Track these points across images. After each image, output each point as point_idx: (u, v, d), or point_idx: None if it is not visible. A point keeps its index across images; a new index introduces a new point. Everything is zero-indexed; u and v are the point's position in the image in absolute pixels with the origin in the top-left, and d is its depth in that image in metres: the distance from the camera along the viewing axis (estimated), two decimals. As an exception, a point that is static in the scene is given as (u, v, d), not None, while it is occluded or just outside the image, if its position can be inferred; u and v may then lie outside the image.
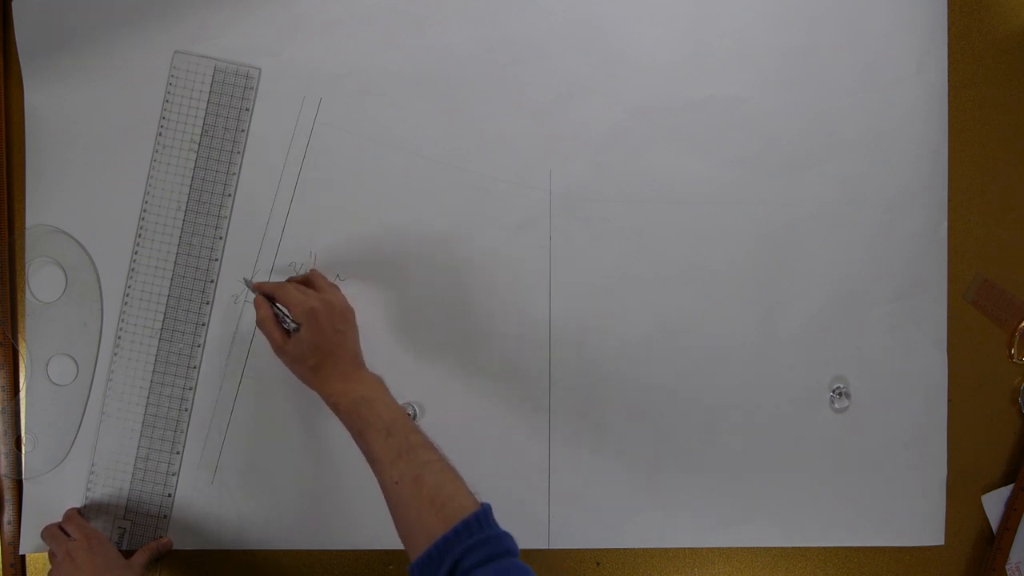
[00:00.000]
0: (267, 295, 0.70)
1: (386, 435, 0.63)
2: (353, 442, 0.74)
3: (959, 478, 0.80)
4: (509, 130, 0.77)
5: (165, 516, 0.76)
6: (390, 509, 0.62)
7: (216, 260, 0.76)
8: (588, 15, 0.77)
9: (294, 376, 0.74)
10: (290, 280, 0.74)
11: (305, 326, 0.67)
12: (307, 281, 0.74)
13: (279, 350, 0.69)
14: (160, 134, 0.76)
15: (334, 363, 0.68)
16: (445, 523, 0.57)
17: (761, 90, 0.78)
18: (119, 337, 0.76)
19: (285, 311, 0.69)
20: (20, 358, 0.76)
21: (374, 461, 0.64)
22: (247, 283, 0.72)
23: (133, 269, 0.76)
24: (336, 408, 0.67)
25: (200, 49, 0.76)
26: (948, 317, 0.80)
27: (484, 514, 0.58)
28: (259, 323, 0.70)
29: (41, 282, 0.76)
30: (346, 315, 0.71)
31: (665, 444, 0.78)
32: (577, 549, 0.78)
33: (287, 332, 0.69)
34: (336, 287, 0.74)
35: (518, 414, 0.77)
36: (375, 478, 0.63)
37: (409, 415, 0.66)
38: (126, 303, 0.76)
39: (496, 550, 0.56)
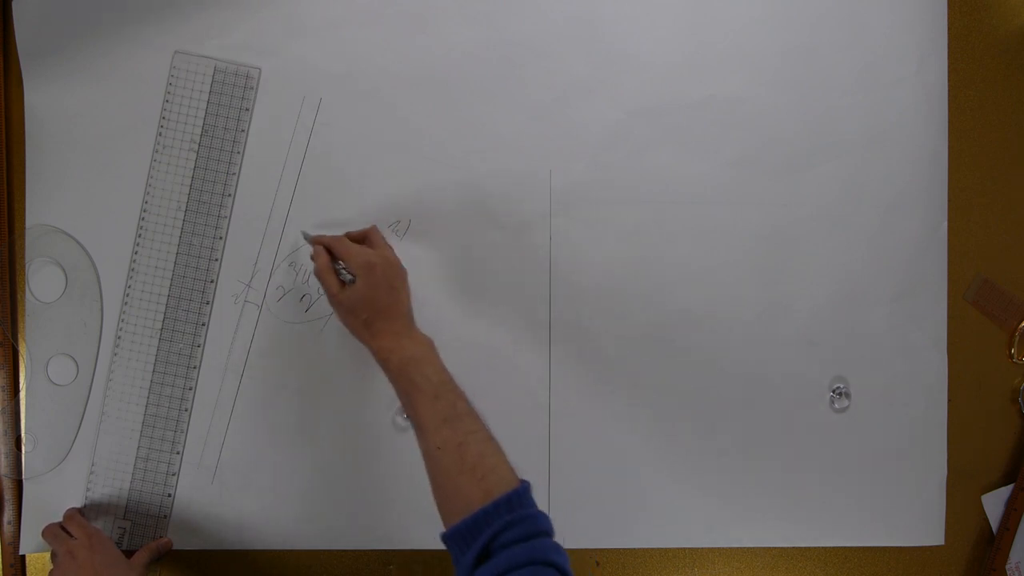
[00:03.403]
0: (326, 247, 0.70)
1: (433, 399, 0.63)
2: (352, 442, 0.74)
3: (959, 478, 0.80)
4: (509, 130, 0.77)
5: (165, 516, 0.76)
6: (429, 474, 0.62)
7: (216, 260, 0.76)
8: (588, 15, 0.77)
9: (294, 377, 0.74)
10: (347, 234, 0.73)
11: (361, 279, 0.67)
12: (364, 237, 0.73)
13: (334, 299, 0.69)
14: (160, 134, 0.76)
15: (386, 318, 0.68)
16: (485, 495, 0.57)
17: (761, 90, 0.78)
18: (119, 337, 0.76)
19: (342, 264, 0.69)
20: (20, 358, 0.76)
21: (418, 424, 0.63)
22: (306, 236, 0.72)
23: (133, 269, 0.76)
24: (385, 365, 0.67)
25: (200, 49, 0.76)
26: (948, 317, 0.80)
27: (525, 491, 0.58)
28: (316, 272, 0.69)
29: (41, 282, 0.76)
30: (401, 273, 0.71)
31: (665, 444, 0.78)
32: (577, 549, 0.78)
33: (342, 283, 0.69)
34: (391, 247, 0.73)
35: (518, 413, 0.77)
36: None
37: (455, 381, 0.65)
38: (126, 303, 0.76)
39: (534, 529, 0.56)
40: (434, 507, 0.63)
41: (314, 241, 0.71)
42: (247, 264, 0.76)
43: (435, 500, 0.61)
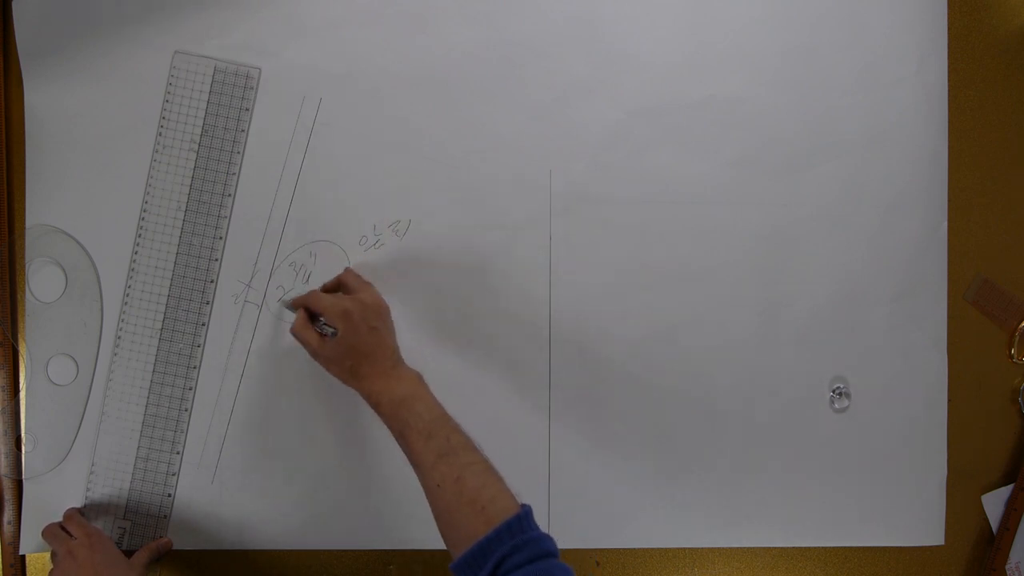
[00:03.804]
0: (301, 306, 0.71)
1: (427, 437, 0.63)
2: (352, 443, 0.74)
3: (959, 478, 0.80)
4: (509, 130, 0.77)
5: (165, 516, 0.76)
6: (432, 511, 0.62)
7: (216, 260, 0.76)
8: (588, 15, 0.77)
9: (294, 376, 0.74)
10: (323, 287, 0.74)
11: (341, 328, 0.68)
12: (339, 284, 0.74)
13: (315, 354, 0.69)
14: (160, 134, 0.76)
15: (372, 362, 0.68)
16: (487, 525, 0.57)
17: (761, 90, 0.78)
18: (119, 337, 0.76)
19: (323, 319, 0.69)
20: (20, 358, 0.76)
21: (416, 463, 0.64)
22: (287, 305, 0.74)
23: (133, 269, 0.76)
24: (377, 407, 0.67)
25: (200, 49, 0.76)
26: (948, 317, 0.80)
27: (525, 516, 0.58)
28: (293, 332, 0.70)
29: (41, 282, 0.76)
30: (380, 312, 0.71)
31: (665, 444, 0.78)
32: (577, 549, 0.78)
33: (321, 337, 0.69)
34: (369, 284, 0.74)
35: (518, 414, 0.77)
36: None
37: (448, 414, 0.66)
38: (126, 303, 0.76)
39: (538, 551, 0.56)
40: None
41: (292, 303, 0.72)
42: (247, 264, 0.76)
43: (441, 536, 0.62)
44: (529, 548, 0.56)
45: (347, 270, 0.75)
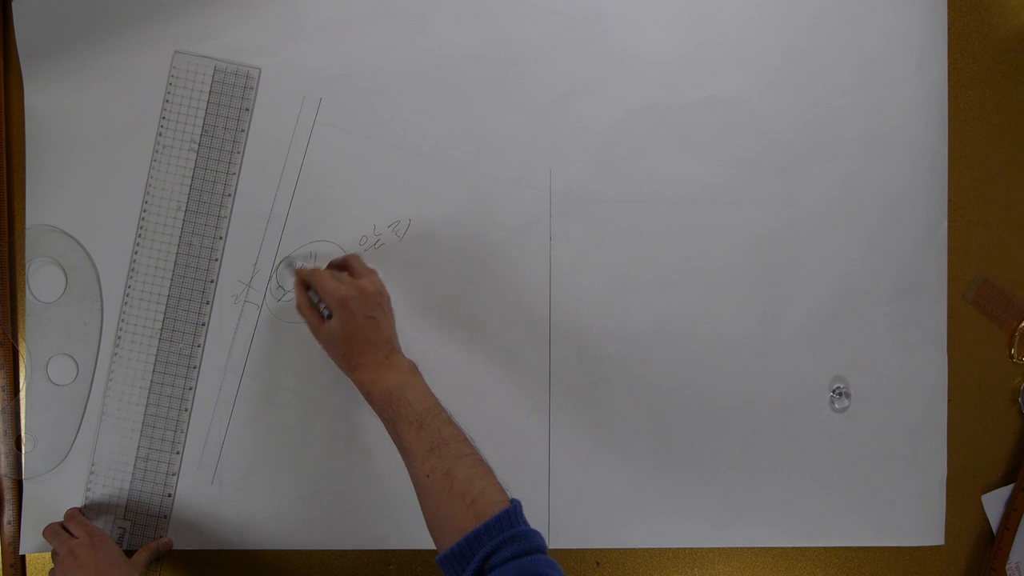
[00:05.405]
0: (304, 281, 0.71)
1: (418, 427, 0.63)
2: (352, 442, 0.74)
3: (959, 478, 0.80)
4: (509, 130, 0.77)
5: (165, 516, 0.76)
6: (420, 501, 0.62)
7: (216, 260, 0.76)
8: (588, 15, 0.77)
9: (294, 377, 0.74)
10: (329, 265, 0.74)
11: (336, 314, 0.68)
12: (344, 264, 0.74)
13: (316, 333, 0.70)
14: (160, 134, 0.76)
15: (365, 351, 0.68)
16: (476, 518, 0.57)
17: (761, 90, 0.78)
18: (119, 337, 0.76)
19: (318, 298, 0.70)
20: (20, 358, 0.76)
21: (406, 453, 0.64)
22: (289, 266, 0.74)
23: (133, 269, 0.76)
24: (368, 397, 0.67)
25: (200, 49, 0.76)
26: (948, 317, 0.80)
27: (514, 510, 0.58)
28: (297, 307, 0.71)
29: (41, 282, 0.76)
30: (379, 300, 0.70)
31: (665, 444, 0.78)
32: (577, 549, 0.78)
33: (322, 317, 0.70)
34: (373, 271, 0.73)
35: (518, 414, 0.77)
36: (406, 471, 0.64)
37: (441, 404, 0.66)
38: (126, 303, 0.76)
39: (526, 547, 0.56)
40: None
41: (296, 274, 0.72)
42: (247, 264, 0.76)
43: (428, 527, 0.62)
44: (517, 543, 0.56)
45: (352, 255, 0.74)
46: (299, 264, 0.75)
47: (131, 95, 0.76)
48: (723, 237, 0.78)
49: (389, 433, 0.66)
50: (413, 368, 0.69)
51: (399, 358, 0.70)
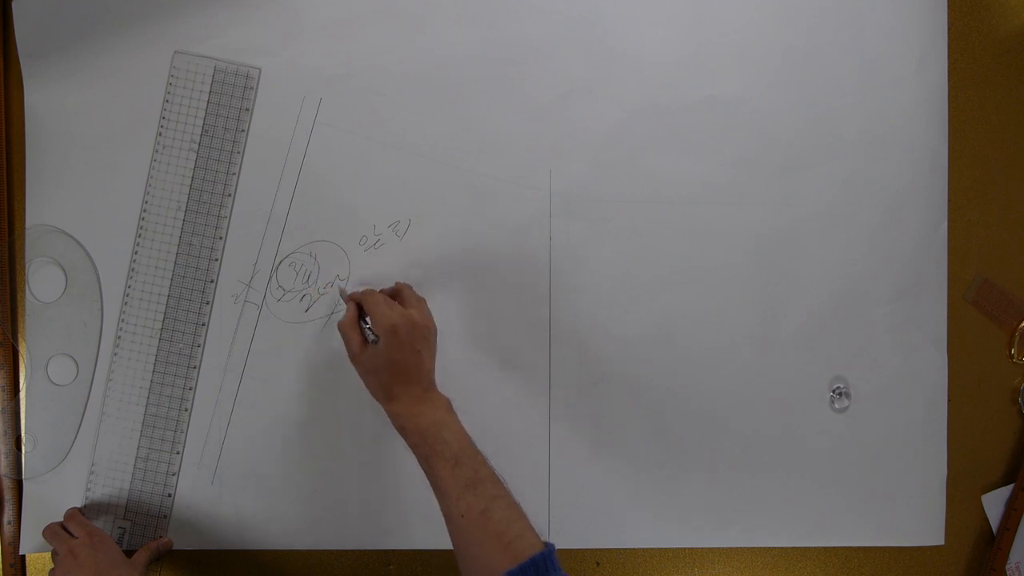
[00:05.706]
0: (356, 302, 0.70)
1: (454, 465, 0.63)
2: (352, 443, 0.74)
3: (959, 478, 0.80)
4: (509, 130, 0.77)
5: (165, 516, 0.76)
6: (453, 540, 0.62)
7: (216, 260, 0.76)
8: (588, 15, 0.77)
9: (294, 376, 0.74)
10: (381, 291, 0.72)
11: (384, 341, 0.66)
12: (395, 293, 0.73)
13: (354, 358, 0.69)
14: (160, 134, 0.76)
15: (406, 382, 0.67)
16: (513, 560, 0.57)
17: (761, 90, 0.78)
18: (119, 337, 0.76)
19: (368, 322, 0.69)
20: (20, 358, 0.76)
21: (439, 490, 0.63)
22: (342, 294, 0.73)
23: (133, 269, 0.76)
24: (402, 430, 0.66)
25: (200, 49, 0.76)
26: (948, 317, 0.80)
27: (550, 554, 0.58)
28: (341, 326, 0.69)
29: (41, 282, 0.76)
30: (426, 334, 0.69)
31: (665, 444, 0.78)
32: (577, 549, 0.78)
33: (365, 341, 0.69)
34: (422, 301, 0.72)
35: (518, 414, 0.77)
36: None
37: (475, 445, 0.66)
38: (126, 303, 0.76)
39: None
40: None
41: (347, 299, 0.71)
42: (247, 264, 0.76)
43: (459, 566, 0.61)
44: None
45: (404, 284, 0.74)
46: (350, 290, 0.75)
47: (131, 95, 0.76)
48: (723, 237, 0.78)
49: (423, 468, 0.65)
50: (448, 405, 0.68)
51: (436, 394, 0.69)
